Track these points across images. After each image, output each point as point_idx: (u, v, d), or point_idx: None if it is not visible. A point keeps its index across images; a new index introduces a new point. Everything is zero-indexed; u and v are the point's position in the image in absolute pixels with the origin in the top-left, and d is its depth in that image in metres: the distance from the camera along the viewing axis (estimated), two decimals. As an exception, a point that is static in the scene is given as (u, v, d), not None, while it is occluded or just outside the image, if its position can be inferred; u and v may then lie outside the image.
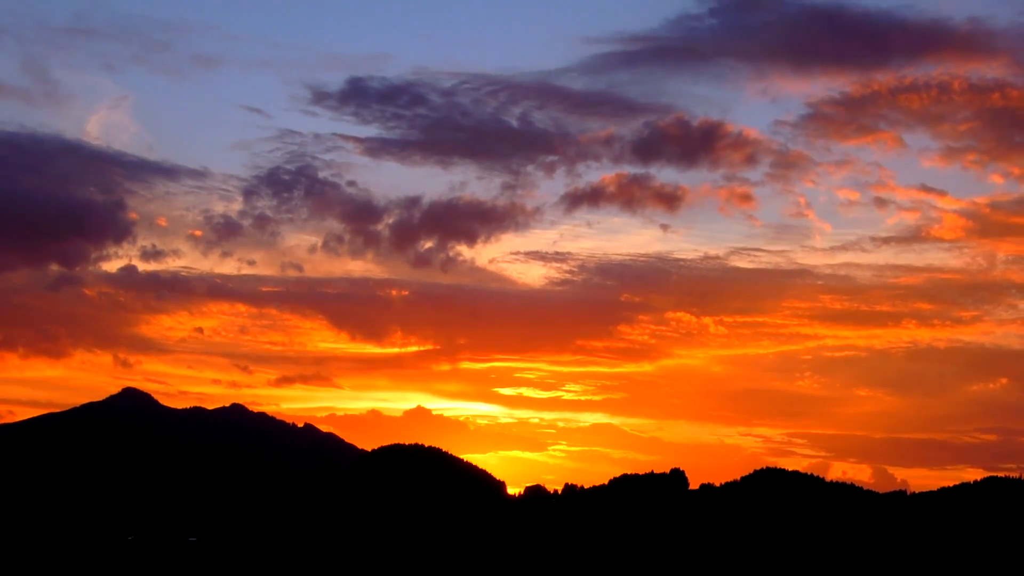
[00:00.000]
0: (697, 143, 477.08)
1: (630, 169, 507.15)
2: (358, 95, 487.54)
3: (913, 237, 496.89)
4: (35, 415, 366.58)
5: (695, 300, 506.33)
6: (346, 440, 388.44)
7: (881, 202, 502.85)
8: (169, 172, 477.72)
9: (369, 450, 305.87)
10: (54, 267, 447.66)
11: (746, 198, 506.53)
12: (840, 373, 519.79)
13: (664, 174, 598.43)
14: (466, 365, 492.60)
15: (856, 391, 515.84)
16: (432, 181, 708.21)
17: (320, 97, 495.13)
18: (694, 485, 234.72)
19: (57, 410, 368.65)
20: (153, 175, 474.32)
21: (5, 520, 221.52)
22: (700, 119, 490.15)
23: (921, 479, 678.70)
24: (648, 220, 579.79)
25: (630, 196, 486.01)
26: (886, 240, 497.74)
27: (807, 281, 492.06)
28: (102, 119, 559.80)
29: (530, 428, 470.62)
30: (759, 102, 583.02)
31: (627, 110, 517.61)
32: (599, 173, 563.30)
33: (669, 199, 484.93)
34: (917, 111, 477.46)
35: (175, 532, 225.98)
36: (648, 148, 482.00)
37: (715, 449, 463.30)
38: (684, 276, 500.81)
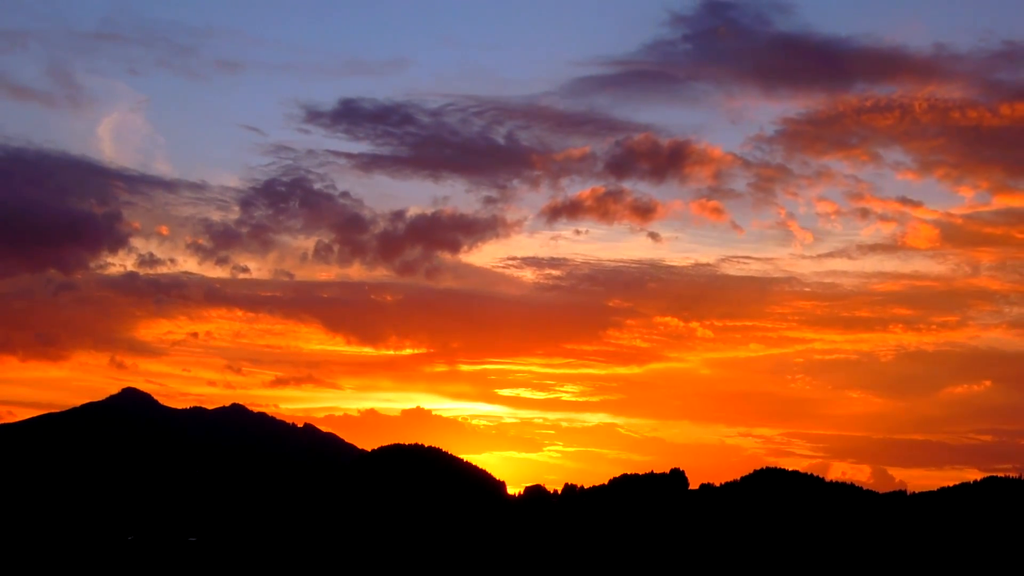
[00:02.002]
0: (670, 160, 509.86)
1: (612, 184, 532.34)
2: (350, 114, 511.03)
3: (894, 246, 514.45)
4: (35, 415, 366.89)
5: (684, 305, 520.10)
6: (346, 440, 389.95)
7: (860, 213, 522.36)
8: (169, 185, 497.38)
9: (369, 450, 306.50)
10: (56, 273, 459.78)
11: (728, 210, 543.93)
12: (831, 376, 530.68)
13: (644, 188, 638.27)
14: (463, 367, 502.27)
15: (848, 393, 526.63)
16: (421, 194, 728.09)
17: (314, 116, 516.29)
18: (694, 485, 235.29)
19: (57, 410, 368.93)
20: (153, 187, 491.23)
21: (5, 520, 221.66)
22: (676, 137, 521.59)
23: (919, 479, 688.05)
24: (634, 230, 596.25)
25: (612, 208, 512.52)
26: (872, 248, 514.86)
27: (793, 288, 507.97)
28: (115, 121, 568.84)
29: (528, 429, 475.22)
30: (733, 121, 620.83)
31: (607, 129, 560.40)
32: (583, 187, 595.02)
33: (652, 211, 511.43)
34: (886, 128, 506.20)
35: (175, 532, 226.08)
36: (626, 164, 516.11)
37: (715, 449, 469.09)
38: (671, 283, 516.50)
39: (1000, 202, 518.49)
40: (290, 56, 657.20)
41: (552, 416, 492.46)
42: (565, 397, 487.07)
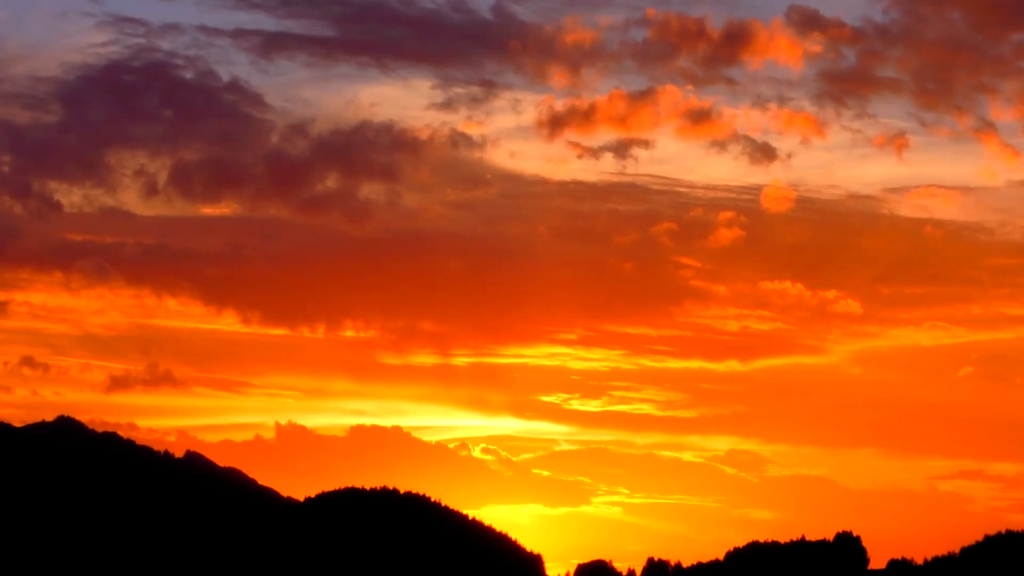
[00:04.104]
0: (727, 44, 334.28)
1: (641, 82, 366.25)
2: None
3: None
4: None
5: (811, 262, 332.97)
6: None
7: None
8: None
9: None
10: None
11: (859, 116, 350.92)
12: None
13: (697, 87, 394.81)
14: (437, 360, 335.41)
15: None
16: (346, 95, 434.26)
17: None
18: (877, 564, 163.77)
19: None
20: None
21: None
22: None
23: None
24: (712, 145, 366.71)
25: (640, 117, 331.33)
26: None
27: (1005, 234, 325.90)
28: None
29: (565, 460, 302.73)
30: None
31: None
32: (603, 86, 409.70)
33: (705, 120, 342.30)
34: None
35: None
36: (667, 52, 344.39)
37: (916, 500, 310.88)
38: (787, 226, 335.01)
39: None
40: None
41: (609, 436, 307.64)
42: (623, 408, 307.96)
